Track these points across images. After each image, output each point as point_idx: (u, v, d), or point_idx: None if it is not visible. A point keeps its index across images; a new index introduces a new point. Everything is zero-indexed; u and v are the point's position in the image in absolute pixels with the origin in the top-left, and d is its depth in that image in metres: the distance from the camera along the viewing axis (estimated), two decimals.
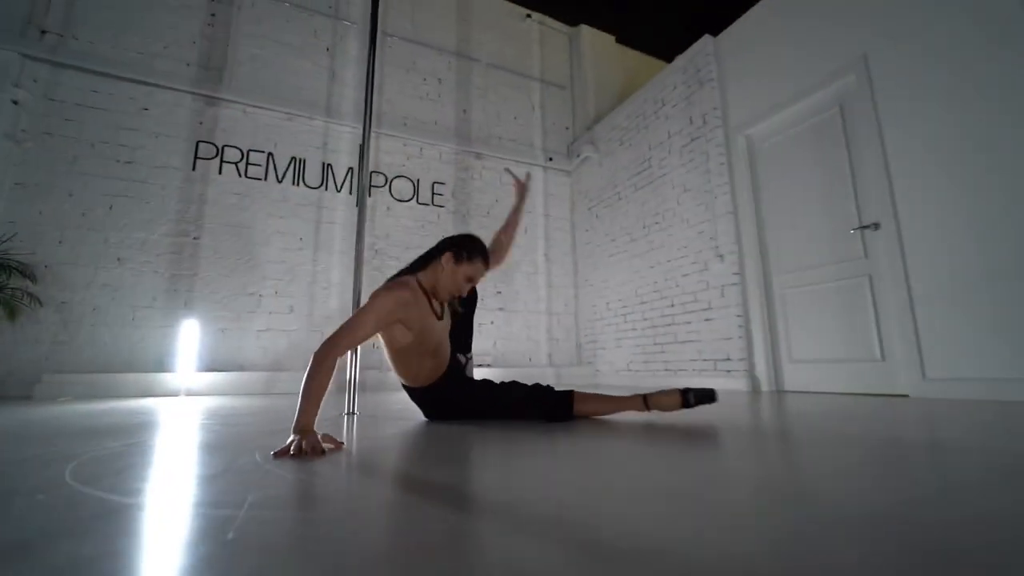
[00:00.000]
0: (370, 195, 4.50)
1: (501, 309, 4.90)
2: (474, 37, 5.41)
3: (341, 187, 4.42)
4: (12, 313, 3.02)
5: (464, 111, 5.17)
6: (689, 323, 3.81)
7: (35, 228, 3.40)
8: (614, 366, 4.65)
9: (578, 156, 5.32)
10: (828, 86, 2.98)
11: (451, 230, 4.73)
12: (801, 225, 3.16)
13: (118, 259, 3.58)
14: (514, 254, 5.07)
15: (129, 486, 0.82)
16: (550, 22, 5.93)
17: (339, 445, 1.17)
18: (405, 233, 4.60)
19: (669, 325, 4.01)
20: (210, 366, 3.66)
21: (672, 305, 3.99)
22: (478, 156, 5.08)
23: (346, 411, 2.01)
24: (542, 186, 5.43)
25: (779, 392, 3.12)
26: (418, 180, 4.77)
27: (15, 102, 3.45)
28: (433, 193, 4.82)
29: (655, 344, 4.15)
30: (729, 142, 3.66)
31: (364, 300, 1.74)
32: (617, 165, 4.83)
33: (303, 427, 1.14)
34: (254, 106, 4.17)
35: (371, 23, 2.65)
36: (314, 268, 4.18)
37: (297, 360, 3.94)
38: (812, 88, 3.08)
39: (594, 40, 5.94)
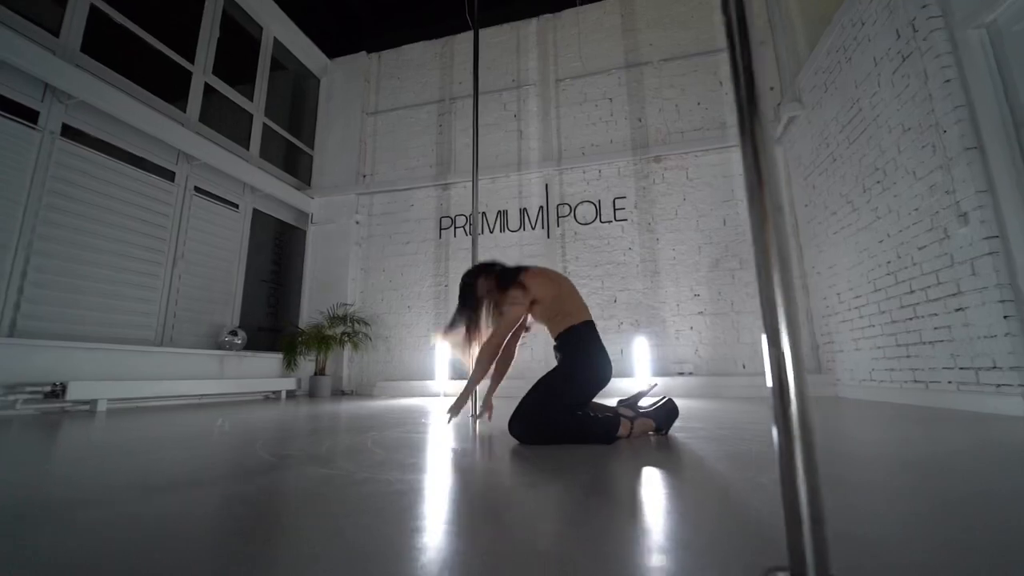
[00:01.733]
0: (558, 226, 5.15)
1: (700, 313, 4.57)
2: (642, 41, 5.35)
3: (535, 224, 5.25)
4: (356, 346, 5.17)
5: (639, 120, 5.17)
6: (935, 315, 2.68)
7: (370, 293, 5.66)
8: (855, 374, 3.60)
9: (782, 120, 4.41)
10: None
11: (637, 241, 4.83)
12: None
13: (408, 307, 5.49)
14: (709, 252, 4.66)
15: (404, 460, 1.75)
16: None
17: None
18: (592, 252, 5.00)
19: (910, 319, 2.90)
20: (454, 375, 5.07)
21: (911, 291, 2.88)
22: (657, 160, 4.96)
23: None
24: (741, 168, 4.73)
25: None
26: (599, 200, 5.09)
27: (357, 223, 5.88)
28: (615, 209, 5.03)
29: (897, 345, 3.05)
30: (957, 45, 2.47)
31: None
32: (826, 117, 3.79)
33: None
34: (469, 181, 5.54)
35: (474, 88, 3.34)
36: None
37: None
38: None
39: None
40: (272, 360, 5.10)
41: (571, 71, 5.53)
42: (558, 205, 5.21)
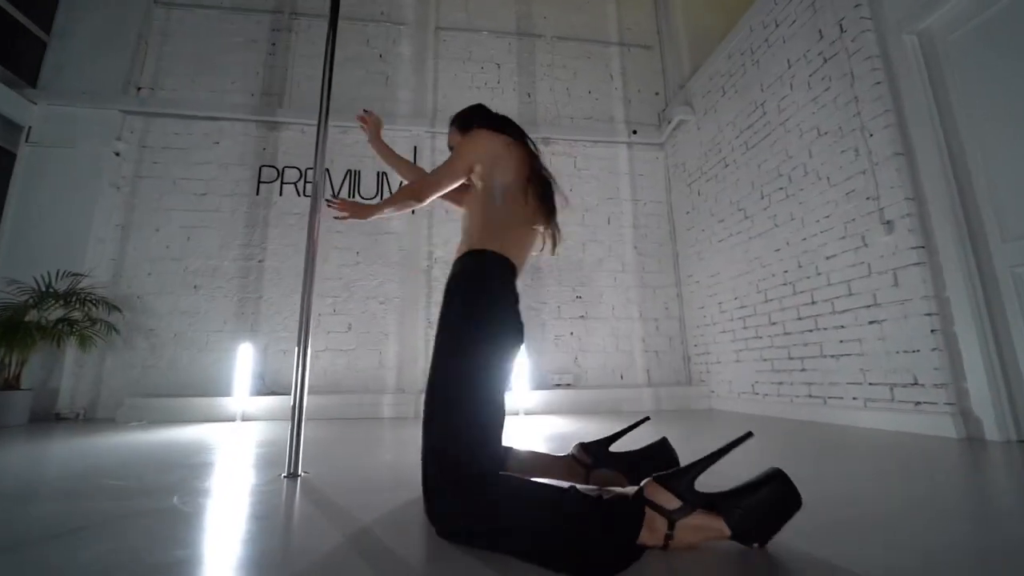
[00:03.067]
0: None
1: (582, 317, 4.10)
2: (536, 11, 4.78)
3: None
4: (83, 344, 3.25)
5: (528, 95, 4.55)
6: (842, 327, 2.57)
7: (131, 262, 3.72)
8: (733, 387, 3.50)
9: (669, 123, 4.28)
10: None
11: None
12: None
13: (195, 287, 3.75)
14: (594, 251, 4.24)
15: None
16: None
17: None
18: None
19: (810, 331, 2.79)
20: (274, 389, 3.60)
21: (812, 302, 2.78)
22: (545, 141, 4.39)
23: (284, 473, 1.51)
24: (627, 166, 4.50)
25: (1022, 443, 1.81)
26: None
27: (117, 154, 3.87)
28: None
29: (790, 359, 2.94)
30: (888, 49, 2.39)
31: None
32: (720, 123, 3.70)
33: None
34: (310, 124, 4.13)
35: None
36: (371, 283, 3.93)
37: (354, 382, 3.70)
38: None
39: None
40: None
41: (455, 22, 4.63)
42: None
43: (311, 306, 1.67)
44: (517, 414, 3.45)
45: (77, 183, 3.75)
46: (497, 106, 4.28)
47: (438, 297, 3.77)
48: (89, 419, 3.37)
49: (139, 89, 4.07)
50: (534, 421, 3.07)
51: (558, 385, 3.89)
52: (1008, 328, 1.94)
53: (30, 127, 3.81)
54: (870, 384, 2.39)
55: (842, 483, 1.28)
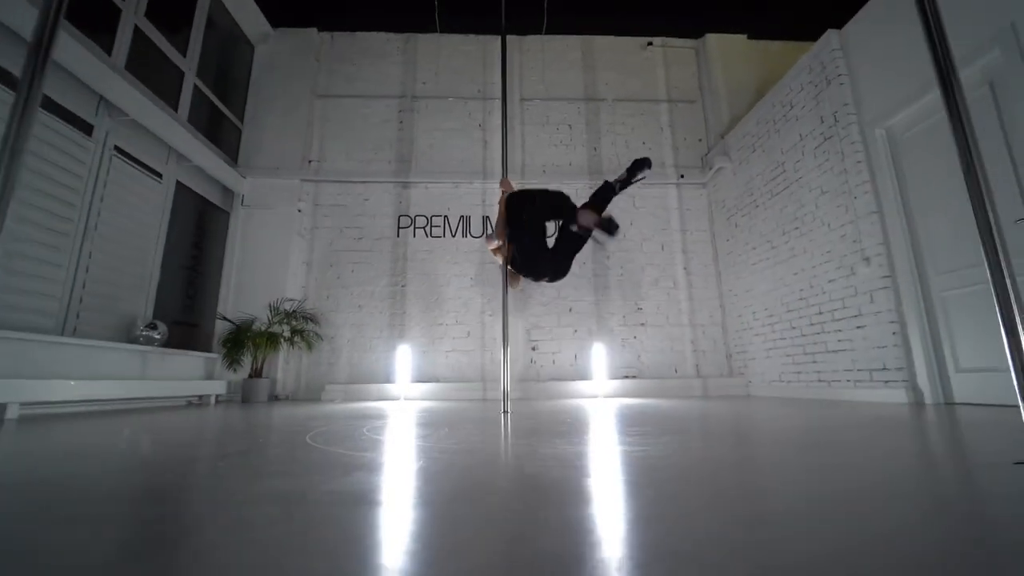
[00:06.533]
0: None
1: (642, 325, 5.26)
2: (599, 79, 5.99)
3: None
4: (309, 346, 4.74)
5: (595, 148, 5.76)
6: (839, 331, 3.62)
7: (315, 290, 5.23)
8: (765, 377, 4.56)
9: (711, 168, 5.38)
10: (972, 63, 2.68)
11: (590, 257, 5.35)
12: (959, 219, 2.84)
13: (359, 306, 5.20)
14: (651, 273, 5.39)
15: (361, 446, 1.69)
16: (672, 42, 6.12)
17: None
18: None
19: (819, 334, 3.85)
20: (418, 378, 4.98)
21: (820, 313, 3.83)
22: None
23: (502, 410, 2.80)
24: (676, 203, 5.62)
25: (947, 405, 2.84)
26: None
27: (299, 211, 5.39)
28: None
29: (805, 354, 4.00)
30: (866, 138, 3.44)
31: (510, 322, 2.50)
32: (752, 172, 4.77)
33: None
34: (432, 182, 5.52)
35: (502, 91, 3.52)
36: (481, 300, 5.26)
37: (474, 373, 5.03)
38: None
39: (722, 45, 5.91)
40: (196, 359, 4.40)
41: (535, 92, 5.91)
42: None
43: (508, 323, 2.96)
44: (597, 397, 4.66)
45: (275, 234, 5.29)
46: (569, 159, 5.70)
47: (532, 311, 5.02)
48: (296, 399, 4.87)
49: (310, 162, 5.60)
50: (612, 401, 4.27)
51: (626, 376, 5.07)
52: (939, 331, 2.97)
53: (242, 195, 5.40)
54: (858, 370, 3.44)
55: (854, 430, 2.41)
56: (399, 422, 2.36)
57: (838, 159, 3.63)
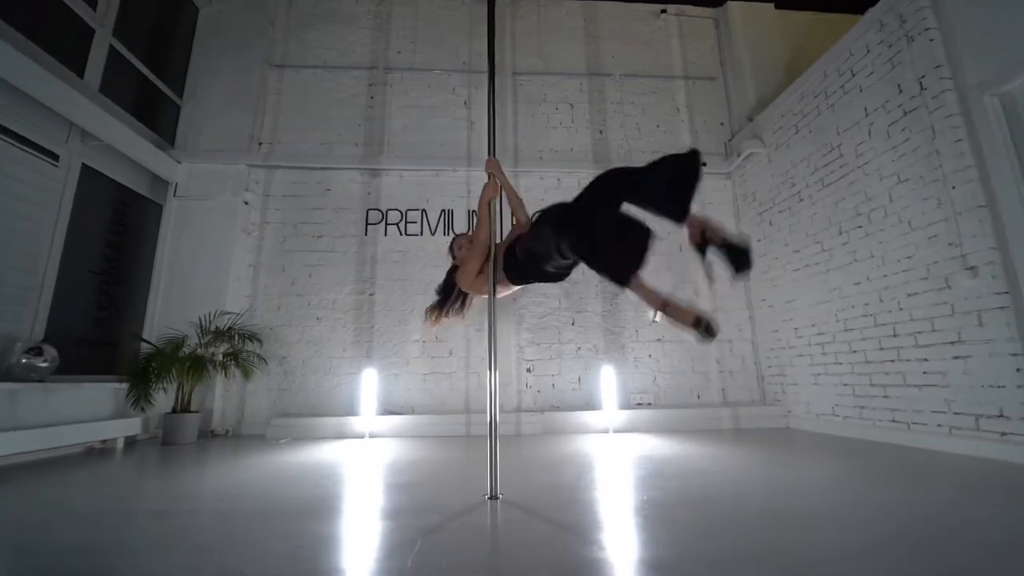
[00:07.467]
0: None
1: (659, 340, 4.42)
2: (605, 51, 5.12)
3: None
4: (246, 373, 3.82)
5: (600, 131, 4.90)
6: (925, 360, 2.81)
7: (263, 299, 4.30)
8: (812, 408, 3.74)
9: (739, 155, 4.54)
10: None
11: None
12: None
13: (316, 319, 4.29)
14: (668, 277, 4.55)
15: None
16: (689, 10, 5.28)
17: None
18: None
19: (893, 361, 3.03)
20: (386, 408, 4.09)
21: (895, 335, 3.01)
22: None
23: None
24: (696, 195, 4.77)
25: None
26: None
27: (246, 203, 4.46)
28: None
29: (872, 385, 3.18)
30: (969, 109, 2.62)
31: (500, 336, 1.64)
32: (793, 159, 3.94)
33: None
34: (407, 169, 4.62)
35: (489, 65, 2.64)
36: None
37: (457, 402, 4.15)
38: None
39: (746, 14, 5.07)
40: (101, 391, 3.46)
41: (530, 65, 5.03)
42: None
43: (496, 340, 2.09)
44: (607, 432, 3.81)
45: (215, 230, 4.35)
46: (571, 143, 4.76)
47: (527, 324, 4.17)
48: (237, 435, 3.95)
49: (260, 144, 4.66)
50: (625, 441, 3.42)
51: (639, 404, 4.23)
52: None
53: (175, 183, 4.45)
54: (955, 413, 2.62)
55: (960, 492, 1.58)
56: (348, 497, 1.48)
57: (925, 138, 2.80)
